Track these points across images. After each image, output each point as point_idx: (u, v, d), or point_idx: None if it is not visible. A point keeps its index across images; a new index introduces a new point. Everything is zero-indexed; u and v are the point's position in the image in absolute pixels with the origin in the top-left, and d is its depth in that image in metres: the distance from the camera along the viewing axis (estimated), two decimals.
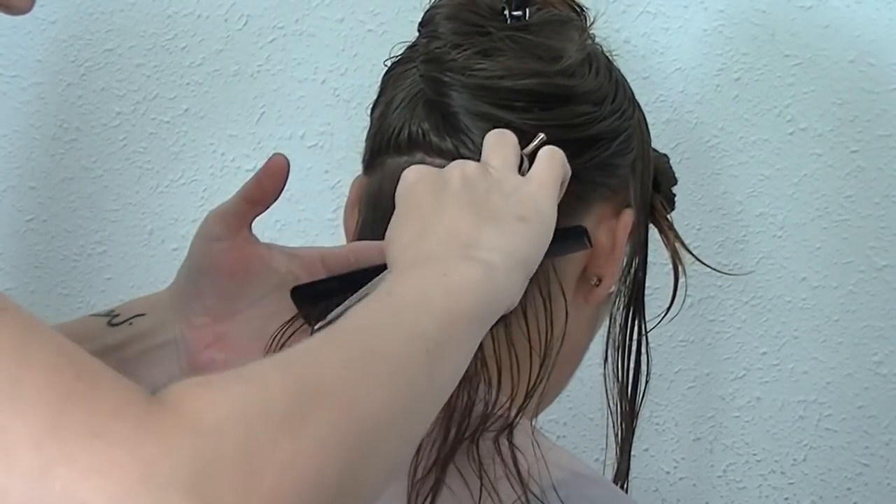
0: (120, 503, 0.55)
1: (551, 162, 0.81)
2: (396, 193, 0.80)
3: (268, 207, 0.90)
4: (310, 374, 0.63)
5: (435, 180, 0.79)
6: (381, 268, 0.81)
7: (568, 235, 0.83)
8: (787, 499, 1.45)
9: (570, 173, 0.82)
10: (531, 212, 0.78)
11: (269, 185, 0.89)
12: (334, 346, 0.66)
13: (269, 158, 0.90)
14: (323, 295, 0.89)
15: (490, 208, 0.77)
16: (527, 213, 0.78)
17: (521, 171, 0.81)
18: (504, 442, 0.82)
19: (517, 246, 0.76)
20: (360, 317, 0.69)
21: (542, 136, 0.85)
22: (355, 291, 0.83)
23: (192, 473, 0.56)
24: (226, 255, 0.89)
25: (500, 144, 0.82)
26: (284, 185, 0.89)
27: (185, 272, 0.91)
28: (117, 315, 0.91)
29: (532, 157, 0.83)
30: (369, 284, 0.82)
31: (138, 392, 0.59)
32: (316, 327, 0.84)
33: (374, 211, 0.90)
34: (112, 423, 0.56)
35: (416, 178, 0.80)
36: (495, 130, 0.83)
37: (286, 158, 0.89)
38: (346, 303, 0.82)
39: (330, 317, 0.82)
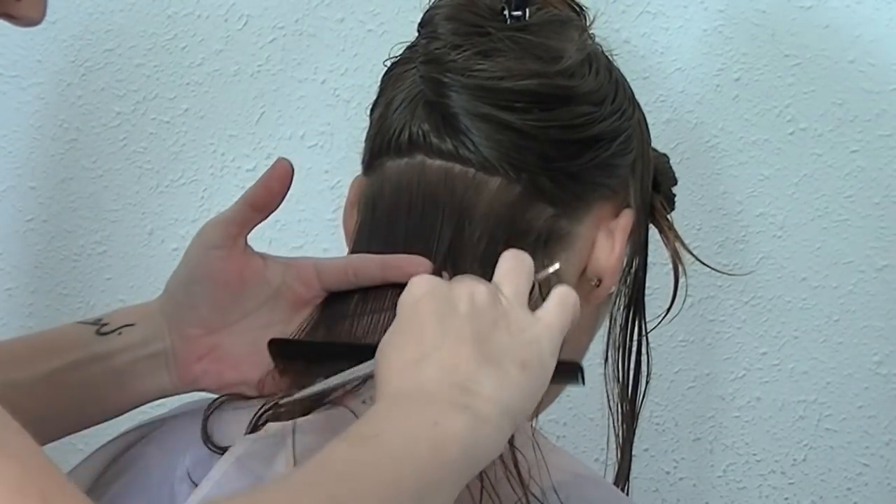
0: None
1: (563, 306, 0.78)
2: (399, 301, 0.77)
3: (270, 214, 0.90)
4: None
5: (442, 301, 0.76)
6: (366, 349, 0.79)
7: (564, 370, 0.79)
8: (787, 499, 1.45)
9: (579, 315, 0.80)
10: (534, 359, 0.75)
11: (276, 187, 0.89)
12: (314, 495, 0.66)
13: (275, 162, 0.89)
14: (300, 355, 0.88)
15: (494, 348, 0.74)
16: (530, 359, 0.75)
17: (532, 297, 0.79)
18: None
19: (512, 396, 0.74)
20: (342, 462, 0.68)
21: (557, 265, 0.84)
22: (333, 361, 0.81)
23: None
24: (222, 263, 0.88)
25: (515, 271, 0.79)
26: (289, 189, 0.89)
27: (177, 281, 0.91)
28: (105, 324, 0.91)
29: (544, 284, 0.82)
30: (351, 371, 0.80)
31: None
32: (282, 401, 0.82)
33: (372, 212, 0.90)
34: None
35: (422, 293, 0.76)
36: (512, 252, 0.80)
37: (290, 163, 0.89)
38: (324, 383, 0.81)
39: (298, 395, 0.81)
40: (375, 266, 0.87)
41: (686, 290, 1.00)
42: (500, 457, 0.80)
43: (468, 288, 0.76)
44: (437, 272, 0.85)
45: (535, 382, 0.75)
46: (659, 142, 1.02)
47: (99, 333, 0.90)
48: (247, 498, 0.63)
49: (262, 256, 0.90)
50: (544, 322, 0.77)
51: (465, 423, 0.71)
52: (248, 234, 0.89)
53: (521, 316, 0.77)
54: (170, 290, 0.91)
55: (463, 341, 0.74)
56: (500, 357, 0.74)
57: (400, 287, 0.79)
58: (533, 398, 0.76)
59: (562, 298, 0.78)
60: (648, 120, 0.97)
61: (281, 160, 0.89)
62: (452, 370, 0.73)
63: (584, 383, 0.81)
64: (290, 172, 0.89)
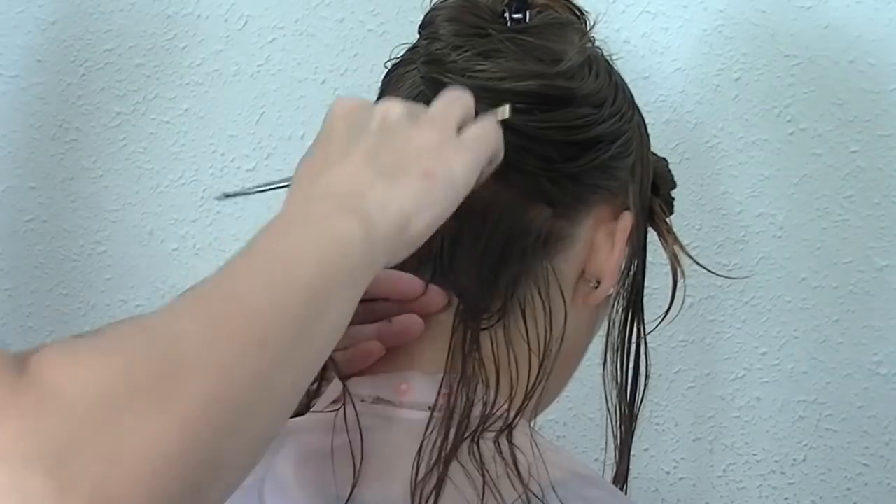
0: None
1: (484, 131, 0.79)
2: (324, 116, 0.80)
3: None
4: (176, 343, 0.61)
5: (357, 118, 0.78)
6: None
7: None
8: (787, 499, 1.45)
9: (501, 154, 0.81)
10: (440, 173, 0.76)
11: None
12: (202, 305, 0.65)
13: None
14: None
15: (397, 159, 0.76)
16: (435, 171, 0.76)
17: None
18: (504, 442, 0.82)
19: (407, 201, 0.74)
20: (231, 271, 0.68)
21: (507, 107, 0.83)
22: None
23: (53, 452, 0.55)
24: None
25: (450, 99, 0.80)
26: None
27: None
28: None
29: None
30: (275, 182, 0.83)
31: (4, 361, 0.58)
32: (225, 194, 0.87)
33: None
34: None
35: (341, 111, 0.79)
36: (458, 87, 0.82)
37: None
38: (258, 186, 0.85)
39: (236, 191, 0.86)
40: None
41: (686, 291, 1.00)
42: (500, 454, 0.80)
43: (385, 107, 0.78)
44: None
45: (438, 194, 0.75)
46: (659, 142, 1.02)
47: None
48: (137, 326, 0.63)
49: None
50: (462, 142, 0.78)
51: (355, 226, 0.71)
52: None
53: (435, 134, 0.77)
54: None
55: (363, 153, 0.75)
56: (401, 167, 0.75)
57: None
58: (436, 210, 0.75)
59: (485, 125, 0.79)
60: (648, 120, 0.96)
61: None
62: (349, 178, 0.74)
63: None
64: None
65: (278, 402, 0.66)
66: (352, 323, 0.78)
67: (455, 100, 0.80)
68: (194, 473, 0.58)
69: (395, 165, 0.75)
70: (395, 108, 0.78)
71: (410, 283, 0.86)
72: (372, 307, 0.87)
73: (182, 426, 0.58)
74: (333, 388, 0.86)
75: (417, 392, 0.85)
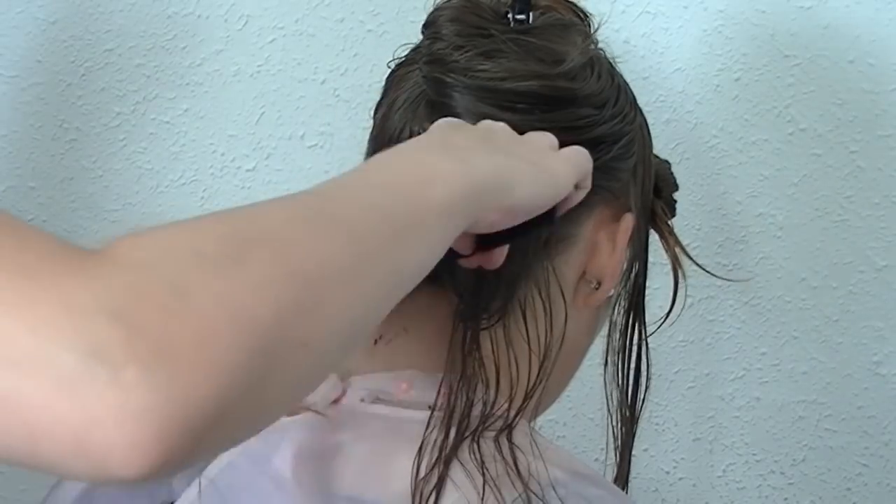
0: (40, 332, 0.53)
1: (578, 153, 0.83)
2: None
3: None
4: (250, 224, 0.61)
5: (459, 123, 0.82)
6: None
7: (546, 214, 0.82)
8: (786, 499, 1.45)
9: (589, 182, 0.84)
10: (545, 163, 0.79)
11: None
12: (288, 203, 0.65)
13: None
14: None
15: (507, 148, 0.78)
16: (538, 161, 0.78)
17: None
18: (504, 441, 0.82)
19: (509, 169, 0.76)
20: (327, 185, 0.68)
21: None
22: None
23: (117, 301, 0.54)
24: None
25: (543, 133, 0.83)
26: None
27: None
28: None
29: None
30: None
31: (71, 243, 0.57)
32: None
33: None
34: (39, 263, 0.55)
35: (442, 122, 0.82)
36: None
37: None
38: None
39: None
40: None
41: (686, 291, 1.00)
42: (500, 453, 0.80)
43: (487, 122, 0.82)
44: None
45: (542, 179, 0.78)
46: (659, 142, 1.02)
47: None
48: (214, 213, 0.62)
49: None
50: (559, 153, 0.81)
51: (457, 168, 0.72)
52: None
53: (537, 142, 0.81)
54: None
55: (475, 136, 0.78)
56: (511, 152, 0.78)
57: None
58: (537, 189, 0.77)
59: (579, 151, 0.83)
60: (648, 121, 0.97)
61: None
62: (460, 141, 0.76)
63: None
64: None
65: (352, 302, 0.63)
66: None
67: (545, 133, 0.83)
68: (266, 338, 0.57)
69: (506, 149, 0.78)
70: (498, 124, 0.82)
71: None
72: None
73: (250, 291, 0.57)
74: (333, 386, 0.86)
75: (417, 391, 0.85)
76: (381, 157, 0.73)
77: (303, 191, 0.67)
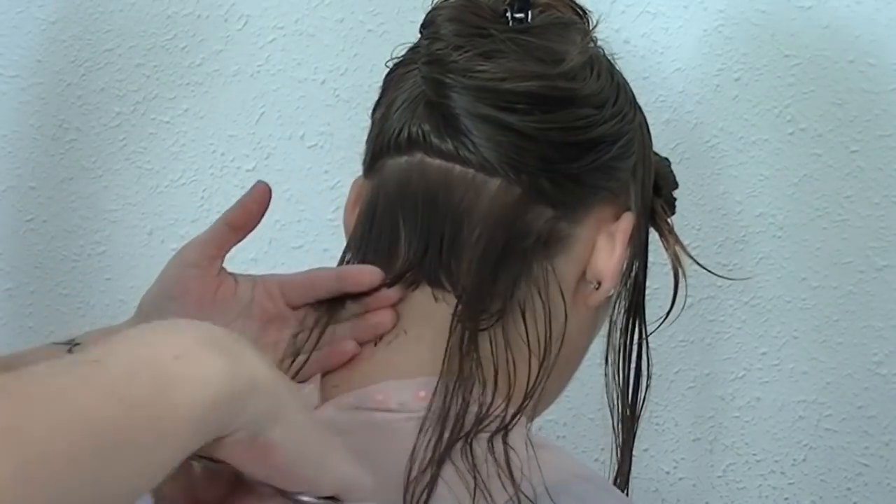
0: None
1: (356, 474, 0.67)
2: None
3: (247, 235, 0.93)
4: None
5: None
6: None
7: None
8: (786, 499, 1.45)
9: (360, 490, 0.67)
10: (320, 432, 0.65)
11: (254, 208, 0.92)
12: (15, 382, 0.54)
13: (253, 185, 0.92)
14: None
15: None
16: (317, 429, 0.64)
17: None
18: (498, 442, 0.82)
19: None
20: (54, 376, 0.55)
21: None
22: None
23: None
24: (198, 282, 0.91)
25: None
26: (265, 211, 0.91)
27: (152, 298, 0.93)
28: (77, 344, 0.91)
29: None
30: None
31: None
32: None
33: (371, 212, 0.90)
34: None
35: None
36: None
37: (268, 185, 0.92)
38: None
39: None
40: (332, 278, 0.89)
41: (686, 291, 1.00)
42: (493, 454, 0.80)
43: None
44: (400, 275, 0.87)
45: (309, 435, 0.64)
46: (659, 142, 1.02)
47: (71, 353, 0.90)
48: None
49: (233, 276, 0.93)
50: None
51: (219, 369, 0.57)
52: (225, 255, 0.92)
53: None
54: (143, 308, 0.93)
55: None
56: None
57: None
58: (298, 441, 0.62)
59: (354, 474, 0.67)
60: (648, 120, 0.96)
61: (259, 183, 0.92)
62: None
63: None
64: (267, 194, 0.92)
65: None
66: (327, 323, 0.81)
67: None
68: None
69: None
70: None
71: (370, 273, 0.87)
72: (340, 306, 0.88)
73: None
74: (311, 394, 0.86)
75: (397, 393, 0.84)
76: (127, 338, 0.59)
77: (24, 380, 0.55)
